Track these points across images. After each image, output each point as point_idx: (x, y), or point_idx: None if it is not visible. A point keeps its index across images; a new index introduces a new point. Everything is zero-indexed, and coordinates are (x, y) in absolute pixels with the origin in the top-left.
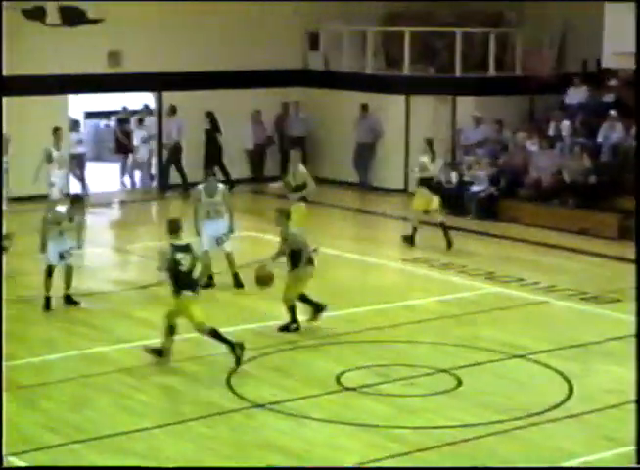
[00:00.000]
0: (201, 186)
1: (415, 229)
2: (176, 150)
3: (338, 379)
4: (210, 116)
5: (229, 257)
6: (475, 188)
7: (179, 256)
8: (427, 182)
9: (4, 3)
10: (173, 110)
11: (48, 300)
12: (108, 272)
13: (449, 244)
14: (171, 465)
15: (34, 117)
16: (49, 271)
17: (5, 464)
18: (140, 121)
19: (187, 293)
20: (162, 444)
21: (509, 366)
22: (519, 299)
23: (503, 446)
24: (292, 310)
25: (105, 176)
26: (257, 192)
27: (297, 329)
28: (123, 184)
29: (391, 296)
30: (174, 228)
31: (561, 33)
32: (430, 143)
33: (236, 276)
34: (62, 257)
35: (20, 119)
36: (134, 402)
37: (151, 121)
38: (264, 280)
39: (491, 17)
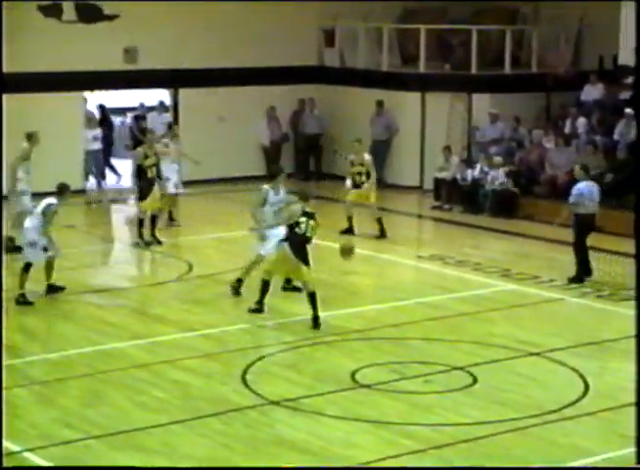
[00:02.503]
0: (267, 186)
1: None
2: None
3: (353, 376)
4: (102, 108)
5: None
6: (490, 185)
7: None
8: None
9: (4, 3)
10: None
11: (24, 296)
12: (124, 268)
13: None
14: (185, 462)
15: (51, 113)
16: (27, 267)
17: (30, 463)
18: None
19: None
20: (178, 440)
21: (524, 364)
22: (534, 296)
23: (518, 443)
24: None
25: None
26: None
27: (260, 311)
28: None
29: (407, 293)
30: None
31: (577, 30)
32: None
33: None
34: (45, 250)
35: (36, 116)
36: (150, 398)
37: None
38: (347, 251)
39: (507, 13)
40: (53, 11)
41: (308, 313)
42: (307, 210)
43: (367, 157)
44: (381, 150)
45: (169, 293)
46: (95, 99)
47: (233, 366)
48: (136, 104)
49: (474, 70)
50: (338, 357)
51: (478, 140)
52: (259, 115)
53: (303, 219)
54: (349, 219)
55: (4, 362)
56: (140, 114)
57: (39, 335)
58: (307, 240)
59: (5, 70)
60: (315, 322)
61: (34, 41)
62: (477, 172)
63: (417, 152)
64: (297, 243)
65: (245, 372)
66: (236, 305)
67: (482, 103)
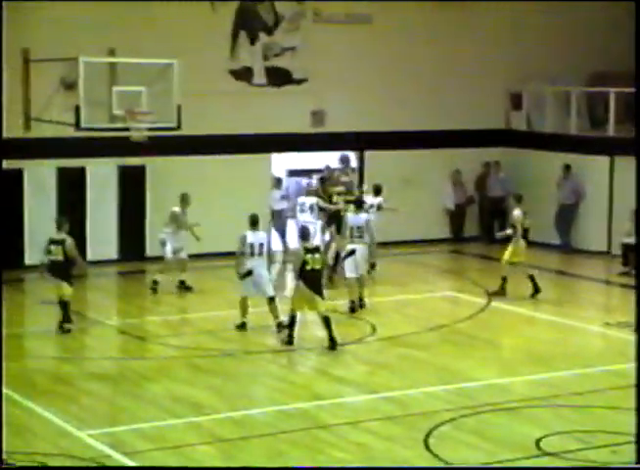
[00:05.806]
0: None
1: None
2: None
3: (537, 443)
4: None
5: None
6: None
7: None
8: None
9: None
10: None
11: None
12: (306, 329)
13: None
14: None
15: (241, 174)
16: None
17: None
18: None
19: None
20: None
21: None
22: None
23: None
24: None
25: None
26: (456, 252)
27: (290, 343)
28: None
29: (593, 360)
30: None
31: None
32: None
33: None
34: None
35: (227, 177)
36: (330, 459)
37: None
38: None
39: None
40: (243, 74)
41: (490, 379)
42: (309, 246)
43: (515, 212)
44: (568, 214)
45: (352, 354)
46: (281, 160)
47: (415, 430)
48: (321, 165)
49: None
50: (522, 424)
51: None
52: (444, 177)
53: (308, 256)
54: (503, 280)
55: (192, 419)
56: (325, 176)
57: (224, 393)
58: (316, 273)
59: (197, 132)
60: (332, 343)
61: (225, 104)
62: None
63: (604, 216)
64: (309, 278)
65: (427, 436)
66: (417, 368)
67: None
